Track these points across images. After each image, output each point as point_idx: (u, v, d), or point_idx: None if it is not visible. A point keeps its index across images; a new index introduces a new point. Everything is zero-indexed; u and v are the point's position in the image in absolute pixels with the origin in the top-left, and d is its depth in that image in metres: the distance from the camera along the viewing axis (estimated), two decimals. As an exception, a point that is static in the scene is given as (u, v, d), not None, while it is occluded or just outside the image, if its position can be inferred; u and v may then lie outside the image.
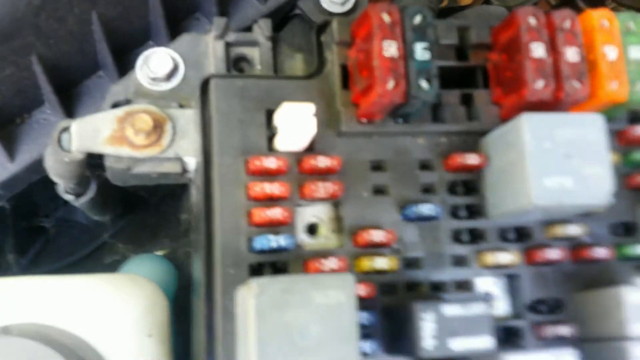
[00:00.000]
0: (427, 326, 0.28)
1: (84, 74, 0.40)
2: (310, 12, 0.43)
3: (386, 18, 0.31)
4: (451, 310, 0.28)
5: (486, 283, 0.34)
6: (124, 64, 0.41)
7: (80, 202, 0.39)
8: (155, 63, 0.36)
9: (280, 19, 0.43)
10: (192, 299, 0.34)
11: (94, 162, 0.37)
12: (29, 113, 0.39)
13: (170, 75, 0.36)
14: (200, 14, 0.44)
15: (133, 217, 0.50)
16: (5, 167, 0.37)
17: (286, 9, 0.44)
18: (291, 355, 0.26)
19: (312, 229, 0.33)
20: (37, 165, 0.38)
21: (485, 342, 0.28)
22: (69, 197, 0.39)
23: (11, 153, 0.38)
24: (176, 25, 0.43)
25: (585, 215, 0.35)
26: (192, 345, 0.33)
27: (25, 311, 0.30)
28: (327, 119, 0.33)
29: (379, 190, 0.33)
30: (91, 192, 0.39)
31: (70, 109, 0.39)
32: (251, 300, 0.26)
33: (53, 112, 0.39)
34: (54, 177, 0.36)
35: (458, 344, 0.28)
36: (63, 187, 0.38)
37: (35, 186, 0.41)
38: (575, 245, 0.35)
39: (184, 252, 0.49)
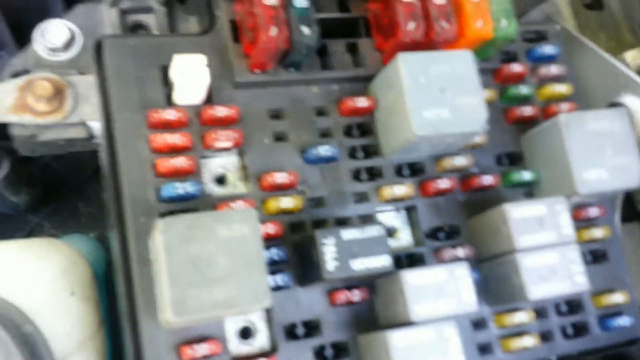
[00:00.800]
0: (329, 250, 0.30)
1: (-16, 53, 0.40)
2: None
3: (266, -29, 0.33)
4: (349, 234, 0.31)
5: (388, 217, 0.37)
6: (25, 42, 0.41)
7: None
8: (52, 34, 0.37)
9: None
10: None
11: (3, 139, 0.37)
12: None
13: (67, 45, 0.37)
14: (94, -13, 0.44)
15: (61, 202, 0.50)
16: None
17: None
18: (202, 285, 0.27)
19: (220, 180, 0.35)
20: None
21: (383, 260, 0.31)
22: (-22, 176, 0.39)
23: None
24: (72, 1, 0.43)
25: (472, 148, 0.38)
26: (118, 303, 0.34)
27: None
28: (222, 72, 0.34)
29: (279, 137, 0.35)
30: (5, 169, 0.39)
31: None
32: (159, 237, 0.27)
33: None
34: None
35: (358, 264, 0.30)
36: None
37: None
38: (464, 176, 0.38)
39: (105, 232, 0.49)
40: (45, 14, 0.42)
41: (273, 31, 0.31)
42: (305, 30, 0.32)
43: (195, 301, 0.27)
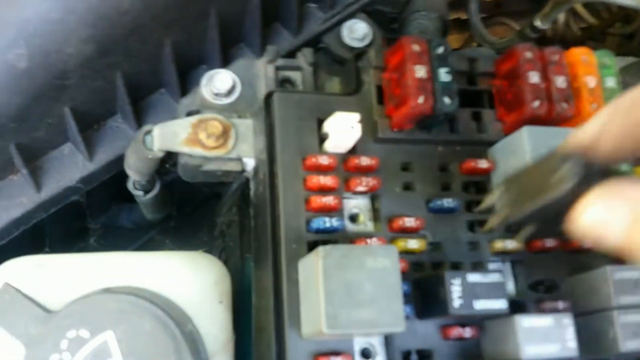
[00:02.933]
0: (456, 289, 0.35)
1: (151, 90, 0.47)
2: (334, 46, 0.51)
3: (416, 48, 0.39)
4: (474, 278, 0.36)
5: (495, 267, 0.41)
6: (183, 83, 0.48)
7: (147, 197, 0.46)
8: (218, 81, 0.43)
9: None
10: (253, 279, 0.41)
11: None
12: (104, 120, 0.45)
13: (229, 92, 0.43)
14: (244, 44, 0.52)
15: (175, 219, 0.56)
16: (85, 166, 0.44)
17: (314, 42, 0.52)
18: (351, 306, 0.32)
19: (353, 218, 0.40)
20: (111, 166, 0.45)
21: (500, 304, 0.35)
22: (137, 193, 0.46)
23: (90, 154, 0.44)
24: (225, 52, 0.50)
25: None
26: (256, 315, 0.39)
27: (120, 279, 0.36)
28: (366, 128, 0.40)
29: (407, 187, 0.41)
30: (156, 189, 0.46)
31: (137, 118, 0.46)
32: (319, 262, 0.33)
33: (124, 121, 0.46)
34: (132, 173, 0.43)
35: (480, 305, 0.35)
36: (133, 183, 0.45)
37: (91, 192, 0.48)
38: (566, 238, 0.42)
39: (218, 251, 0.55)
40: (202, 63, 0.50)
41: (421, 99, 0.37)
42: (447, 100, 0.38)
43: (345, 318, 0.32)
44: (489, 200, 0.36)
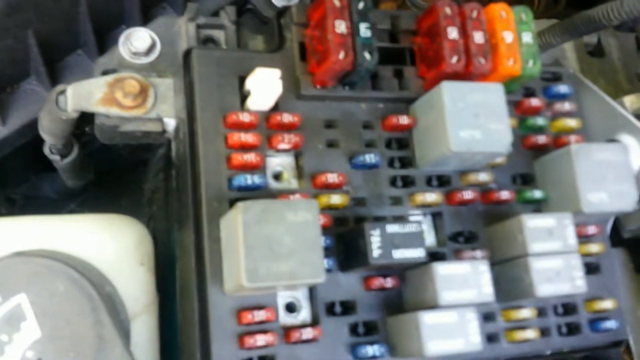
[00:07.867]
0: (375, 240, 0.36)
1: (67, 51, 0.45)
2: (261, 6, 0.50)
3: (337, 2, 0.39)
4: (392, 228, 0.36)
5: (416, 219, 0.42)
6: (101, 44, 0.46)
7: (65, 162, 0.44)
8: (136, 40, 0.42)
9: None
10: (176, 240, 0.40)
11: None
12: (17, 83, 0.43)
13: (149, 51, 0.42)
14: (167, 3, 0.50)
15: (97, 188, 0.55)
16: (-2, 130, 0.42)
17: (240, 2, 0.51)
18: (271, 259, 0.33)
19: (277, 176, 0.40)
20: (25, 130, 0.43)
21: (418, 252, 0.36)
22: (54, 157, 0.44)
23: (3, 118, 0.42)
24: (146, 11, 0.48)
25: (492, 167, 0.44)
26: (180, 276, 0.39)
27: (36, 243, 0.35)
28: (289, 85, 0.40)
29: (331, 144, 0.41)
30: (74, 154, 0.44)
31: (53, 81, 0.44)
32: (239, 216, 0.33)
33: (39, 83, 0.44)
34: (46, 136, 0.41)
35: (398, 254, 0.36)
36: (49, 147, 0.43)
37: (5, 160, 0.46)
38: (485, 190, 0.43)
39: (146, 220, 0.54)
40: (122, 23, 0.48)
41: (341, 55, 0.37)
42: (367, 56, 0.38)
43: (265, 271, 0.32)
44: None
